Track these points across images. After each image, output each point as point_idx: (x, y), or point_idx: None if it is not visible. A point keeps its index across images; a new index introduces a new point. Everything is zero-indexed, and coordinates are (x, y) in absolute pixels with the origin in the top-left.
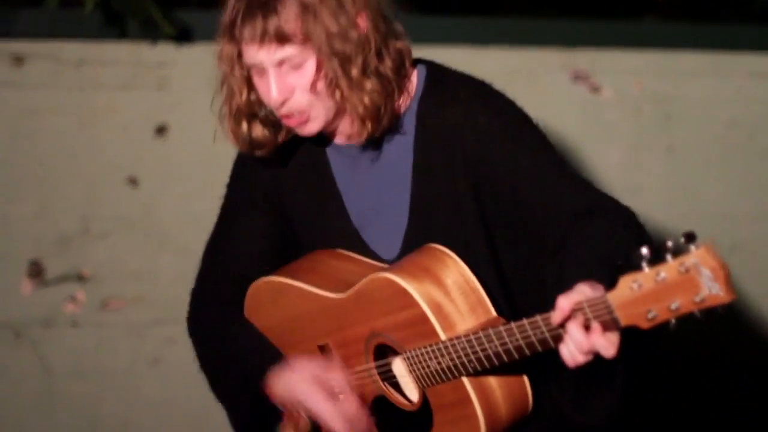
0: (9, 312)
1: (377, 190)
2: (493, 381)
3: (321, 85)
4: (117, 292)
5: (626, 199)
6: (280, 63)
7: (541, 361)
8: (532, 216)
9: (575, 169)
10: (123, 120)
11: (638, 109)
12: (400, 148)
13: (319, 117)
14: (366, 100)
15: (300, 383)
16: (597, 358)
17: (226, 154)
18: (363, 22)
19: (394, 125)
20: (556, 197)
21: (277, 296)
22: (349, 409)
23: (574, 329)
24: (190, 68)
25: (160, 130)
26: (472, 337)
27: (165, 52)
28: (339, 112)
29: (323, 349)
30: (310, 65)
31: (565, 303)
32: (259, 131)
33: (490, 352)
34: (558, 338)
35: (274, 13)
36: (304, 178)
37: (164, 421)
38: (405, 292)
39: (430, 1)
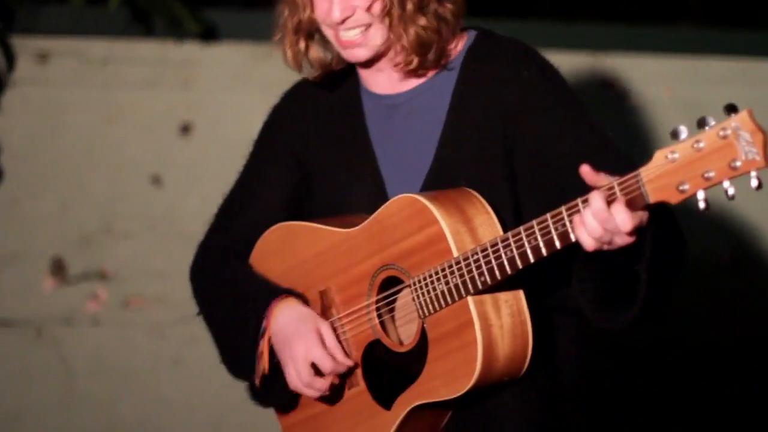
0: (31, 309)
1: (409, 138)
2: (490, 301)
3: (377, 8)
4: (139, 290)
5: None
6: None
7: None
8: (563, 167)
9: (610, 136)
10: (147, 118)
11: (666, 114)
12: (437, 98)
13: (374, 39)
14: (412, 32)
15: (306, 331)
16: (620, 258)
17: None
18: None
19: (437, 73)
20: (590, 152)
21: (287, 240)
22: (315, 385)
23: (595, 199)
24: (215, 67)
25: (185, 129)
26: (487, 244)
27: (190, 50)
28: (388, 44)
29: (323, 294)
30: None
31: (593, 174)
32: (314, 52)
33: (504, 259)
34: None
35: None
36: (335, 127)
37: (185, 421)
38: (426, 209)
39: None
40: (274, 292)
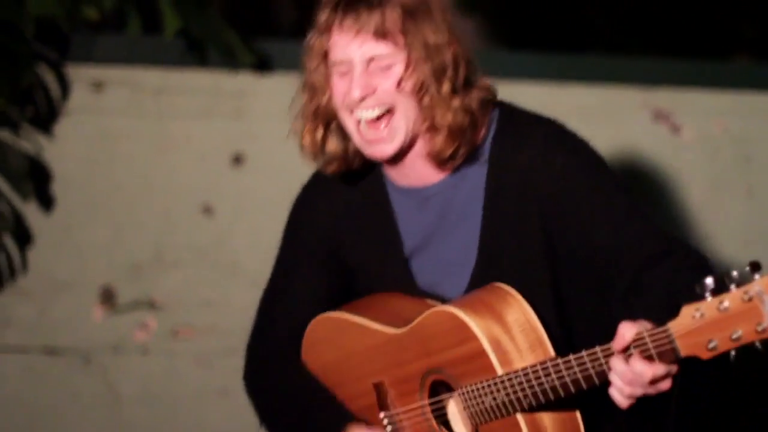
0: (80, 337)
1: (442, 232)
2: (546, 419)
3: (409, 85)
4: (188, 320)
5: (704, 241)
6: (369, 60)
7: (595, 401)
8: (604, 258)
9: (648, 212)
10: (200, 149)
11: (718, 150)
12: (471, 189)
13: (400, 127)
14: (451, 115)
15: None
16: (650, 397)
17: (302, 185)
18: (455, 49)
19: (468, 162)
20: (630, 240)
21: (335, 332)
22: None
23: (635, 360)
24: (268, 98)
25: (237, 160)
26: (529, 370)
27: (244, 81)
28: (418, 127)
29: (378, 387)
30: (399, 68)
31: (627, 330)
32: (332, 144)
33: (546, 386)
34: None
35: (378, 9)
36: (364, 224)
37: None
38: (464, 326)
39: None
40: (343, 417)
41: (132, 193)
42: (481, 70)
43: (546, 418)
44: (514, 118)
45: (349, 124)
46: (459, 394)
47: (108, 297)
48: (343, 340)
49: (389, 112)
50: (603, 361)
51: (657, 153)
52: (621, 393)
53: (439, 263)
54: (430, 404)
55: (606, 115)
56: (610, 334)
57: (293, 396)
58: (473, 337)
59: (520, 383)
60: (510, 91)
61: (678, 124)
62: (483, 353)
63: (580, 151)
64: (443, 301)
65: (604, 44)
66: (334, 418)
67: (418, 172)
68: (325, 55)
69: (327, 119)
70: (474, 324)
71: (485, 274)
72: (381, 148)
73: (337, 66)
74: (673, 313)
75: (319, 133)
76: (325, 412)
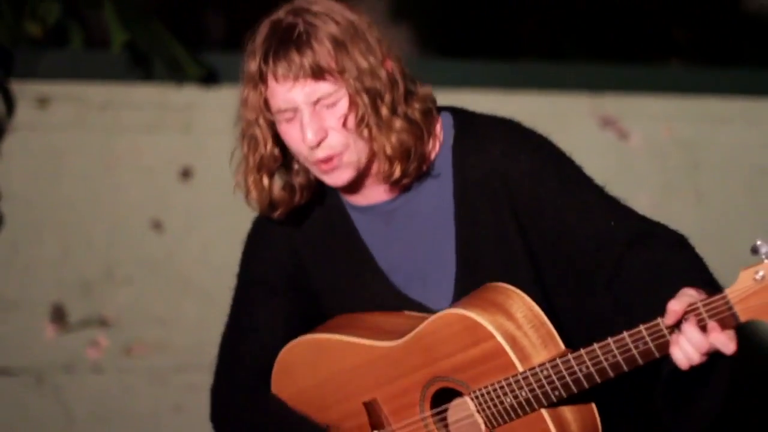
0: (31, 356)
1: (415, 244)
2: (568, 412)
3: (351, 122)
4: (140, 337)
5: None
6: (315, 102)
7: (607, 389)
8: (583, 248)
9: (617, 198)
10: (148, 163)
11: (666, 155)
12: (437, 198)
13: (352, 161)
14: (394, 139)
15: None
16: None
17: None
18: (389, 66)
19: (426, 173)
20: (606, 227)
21: (312, 354)
22: None
23: (690, 330)
24: (216, 111)
25: (185, 174)
26: (558, 361)
27: (191, 94)
28: (369, 156)
29: (369, 405)
30: (344, 103)
31: (677, 305)
32: (277, 190)
33: (580, 374)
34: (662, 347)
35: (308, 49)
36: (328, 247)
37: None
38: (478, 326)
39: (454, 45)
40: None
41: (80, 209)
42: (419, 79)
43: (567, 411)
44: (470, 121)
45: (306, 162)
46: (473, 398)
47: (59, 315)
48: (323, 361)
49: (343, 150)
50: (648, 339)
51: (605, 159)
52: (689, 360)
53: (418, 275)
54: (433, 415)
55: (553, 122)
56: (594, 326)
57: (265, 427)
58: (488, 336)
59: (548, 376)
60: (456, 100)
61: (626, 130)
62: (500, 352)
63: (543, 146)
64: (428, 312)
65: (547, 51)
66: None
67: (375, 191)
68: (264, 104)
69: (270, 168)
70: (487, 323)
71: (468, 279)
72: (338, 176)
73: (281, 113)
74: (661, 290)
75: (266, 182)
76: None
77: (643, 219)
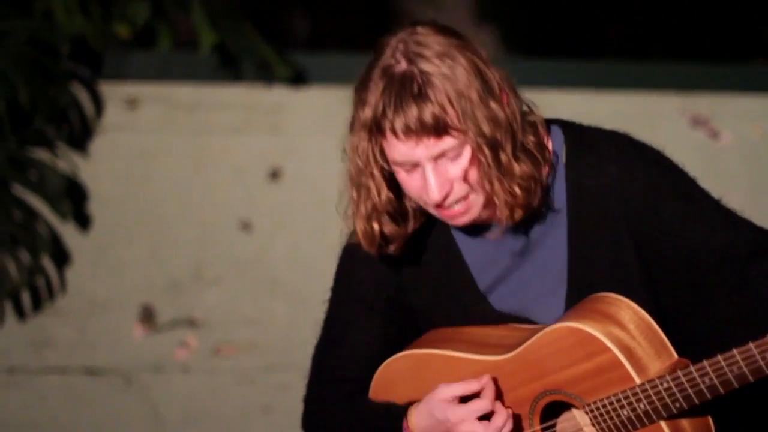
0: (120, 357)
1: (521, 262)
2: (685, 423)
3: (474, 176)
4: (229, 337)
5: None
6: (437, 156)
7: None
8: (705, 264)
9: (733, 209)
10: (236, 164)
11: (758, 154)
12: (549, 216)
13: (475, 207)
14: (515, 188)
15: (445, 407)
16: None
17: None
18: (506, 100)
19: (544, 201)
20: (727, 241)
21: (415, 368)
22: (499, 422)
23: None
24: (304, 111)
25: (274, 174)
26: (680, 373)
27: (279, 95)
28: (489, 201)
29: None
30: (466, 154)
31: None
32: (389, 227)
33: (703, 386)
34: None
35: (429, 103)
36: (428, 266)
37: None
38: (592, 338)
39: (542, 45)
40: (400, 408)
41: (169, 210)
42: (526, 101)
43: (685, 423)
44: (581, 137)
45: (425, 206)
46: (587, 411)
47: (148, 316)
48: (424, 376)
49: (466, 198)
50: None
51: (696, 159)
52: None
53: (522, 294)
54: (543, 429)
55: (644, 122)
56: (709, 340)
57: (352, 418)
58: (604, 349)
59: (668, 389)
60: (546, 100)
61: (716, 130)
62: (617, 364)
63: (660, 162)
64: (532, 324)
65: (637, 51)
66: (393, 413)
67: (496, 219)
68: (380, 154)
69: (383, 212)
70: (602, 335)
71: (580, 298)
72: (459, 221)
73: (400, 165)
74: None
75: (376, 228)
76: (382, 411)
77: (763, 230)
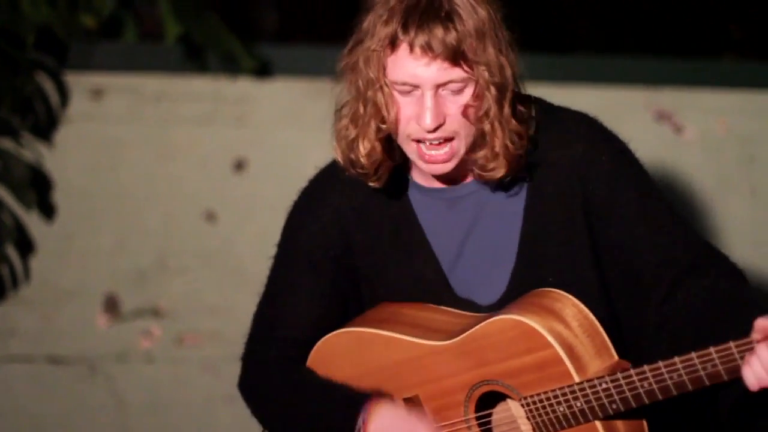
0: (84, 346)
1: (476, 233)
2: (620, 425)
3: (472, 113)
4: (193, 327)
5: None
6: (442, 85)
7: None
8: (645, 260)
9: (686, 219)
10: (202, 155)
11: (722, 149)
12: (510, 189)
13: (459, 151)
14: (508, 138)
15: None
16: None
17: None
18: (512, 60)
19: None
20: (672, 245)
21: (354, 347)
22: None
23: (765, 352)
24: (270, 103)
25: (239, 166)
26: (619, 376)
27: (245, 86)
28: (474, 147)
29: (410, 402)
30: (468, 92)
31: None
32: (386, 155)
33: (641, 391)
34: (732, 370)
35: (453, 28)
36: (381, 226)
37: None
38: (534, 333)
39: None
40: (363, 395)
41: (134, 200)
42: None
43: (620, 425)
44: (552, 114)
45: (406, 143)
46: (523, 404)
47: (112, 305)
48: (364, 354)
49: (452, 140)
50: (718, 362)
51: (660, 153)
52: (759, 381)
53: (474, 265)
54: (477, 417)
55: (608, 116)
56: (638, 340)
57: (297, 391)
58: (545, 345)
59: (606, 390)
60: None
61: (681, 124)
62: (557, 361)
63: (625, 152)
64: (476, 307)
65: (602, 45)
66: (349, 399)
67: (453, 175)
68: (384, 69)
69: (385, 137)
70: (545, 331)
71: (526, 274)
72: (439, 168)
73: (398, 85)
74: (720, 318)
75: (378, 150)
76: (342, 395)
77: (709, 246)
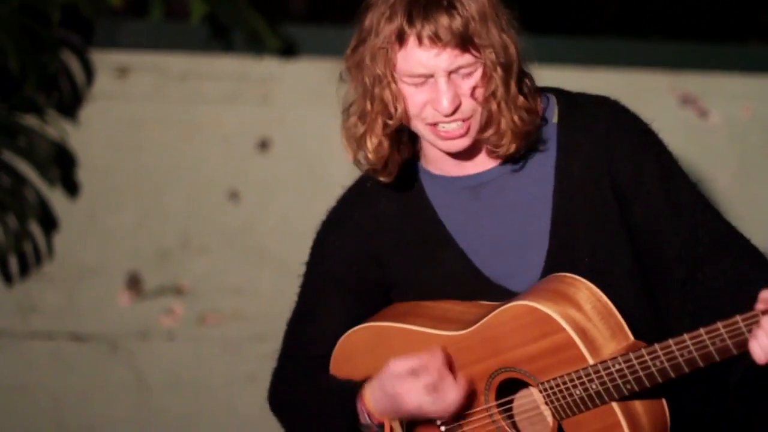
0: (106, 324)
1: (503, 220)
2: (638, 405)
3: (481, 93)
4: (214, 306)
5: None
6: (454, 70)
7: (678, 383)
8: (667, 241)
9: (710, 200)
10: (226, 134)
11: (746, 134)
12: (536, 175)
13: (473, 130)
14: (517, 116)
15: (394, 381)
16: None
17: (329, 169)
18: (514, 38)
19: (530, 151)
20: (693, 225)
21: (375, 341)
22: (450, 395)
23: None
24: (294, 83)
25: (263, 145)
26: (631, 355)
27: (269, 66)
28: (485, 126)
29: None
30: (478, 74)
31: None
32: (394, 150)
33: (654, 369)
34: (740, 344)
35: (457, 14)
36: (404, 232)
37: None
38: (548, 318)
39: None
40: (354, 388)
41: (158, 178)
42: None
43: (638, 405)
44: (574, 100)
45: (422, 127)
46: (541, 390)
47: (134, 283)
48: (386, 348)
49: (468, 121)
50: (726, 336)
51: (684, 138)
52: (766, 353)
53: (504, 253)
54: (498, 405)
55: (633, 100)
56: (660, 321)
57: (321, 402)
58: (558, 329)
59: (620, 370)
60: (536, 76)
61: (705, 109)
62: (571, 344)
63: (649, 132)
64: (510, 293)
65: (628, 28)
66: (346, 389)
67: (472, 161)
68: (393, 65)
69: (392, 132)
70: (556, 314)
71: (561, 257)
72: (457, 143)
73: (411, 78)
74: (738, 300)
75: (386, 145)
76: (340, 397)
77: (731, 228)
